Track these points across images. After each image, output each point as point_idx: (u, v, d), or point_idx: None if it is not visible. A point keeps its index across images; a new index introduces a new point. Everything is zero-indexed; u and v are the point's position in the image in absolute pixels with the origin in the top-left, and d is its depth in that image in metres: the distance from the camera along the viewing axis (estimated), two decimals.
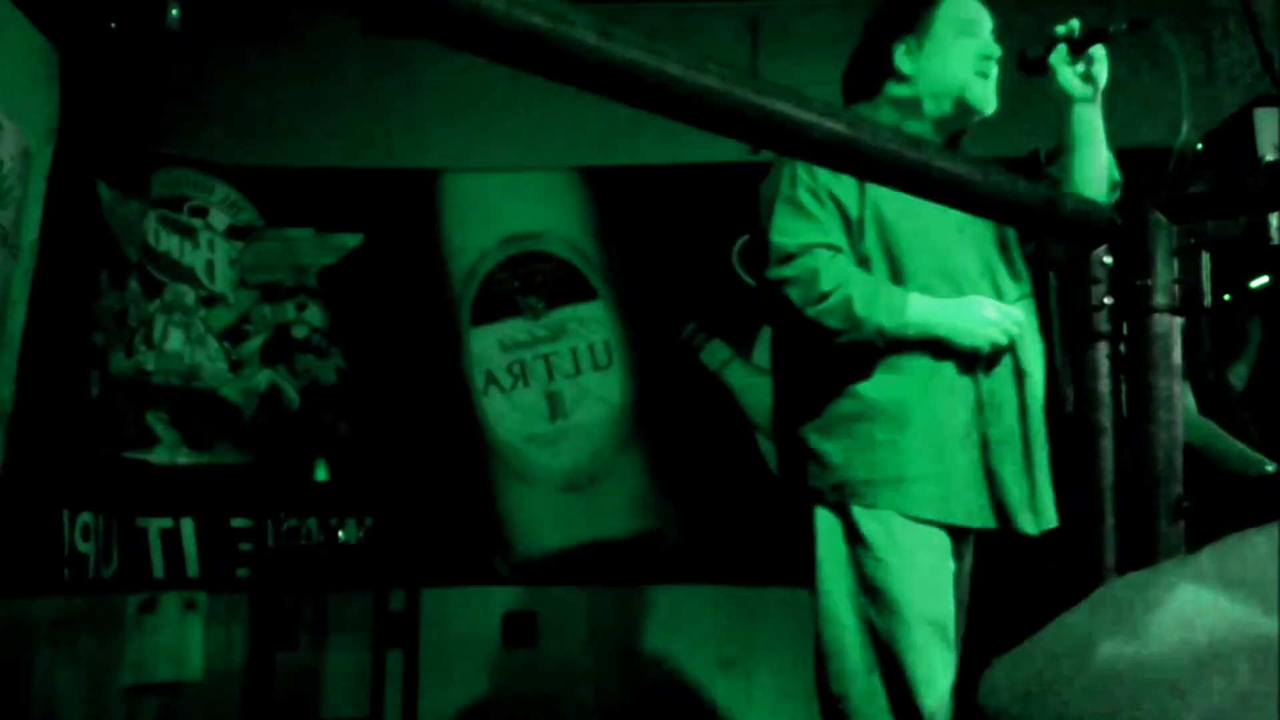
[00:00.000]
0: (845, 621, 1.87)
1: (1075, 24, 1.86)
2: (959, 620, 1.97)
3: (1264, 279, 2.33)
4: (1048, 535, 1.96)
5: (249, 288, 3.92)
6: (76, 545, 3.43)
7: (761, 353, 3.78)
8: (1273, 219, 1.51)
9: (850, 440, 1.87)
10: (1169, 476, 1.45)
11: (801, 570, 1.94)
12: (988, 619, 2.06)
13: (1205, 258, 1.44)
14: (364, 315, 3.92)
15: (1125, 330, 1.49)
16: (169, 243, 3.84)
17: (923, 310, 1.86)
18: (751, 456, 3.78)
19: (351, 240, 3.96)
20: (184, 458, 3.77)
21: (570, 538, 3.83)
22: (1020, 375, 1.95)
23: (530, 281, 3.98)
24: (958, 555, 1.95)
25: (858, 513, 1.86)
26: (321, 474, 3.72)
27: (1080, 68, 1.87)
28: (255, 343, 3.89)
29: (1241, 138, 2.21)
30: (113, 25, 3.40)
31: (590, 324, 3.96)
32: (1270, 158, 2.16)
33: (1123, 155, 1.96)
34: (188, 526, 3.73)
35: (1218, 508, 1.50)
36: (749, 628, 3.76)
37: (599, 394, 3.93)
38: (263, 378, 3.87)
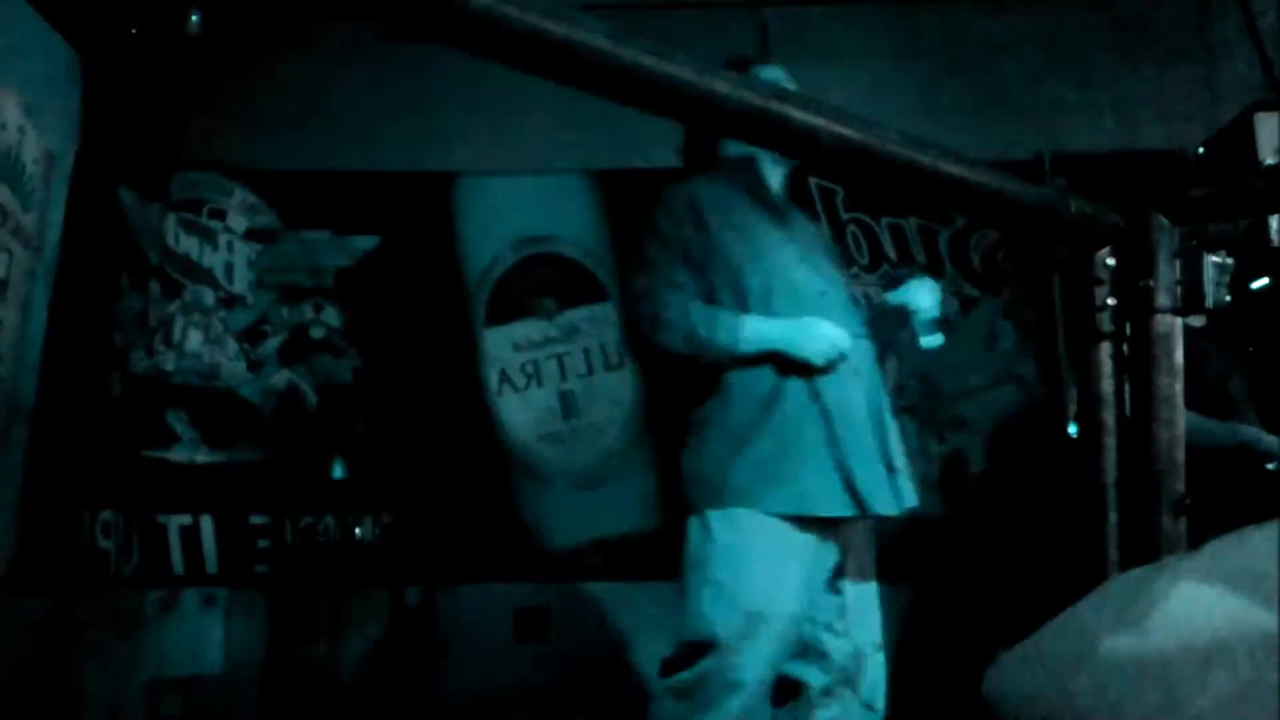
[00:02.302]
0: (702, 612, 2.05)
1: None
2: (874, 607, 2.20)
3: (1264, 281, 2.35)
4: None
5: (267, 289, 3.95)
6: (97, 542, 3.47)
7: None
8: (1273, 221, 1.53)
9: (708, 454, 2.13)
10: (1171, 474, 1.47)
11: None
12: (991, 614, 2.10)
13: (1207, 260, 1.46)
14: (380, 316, 3.94)
15: (1128, 330, 1.51)
16: (188, 245, 3.89)
17: (758, 328, 2.11)
18: None
19: (368, 242, 3.99)
20: (203, 456, 3.81)
21: (582, 535, 3.85)
22: (859, 378, 2.17)
23: (543, 283, 4.01)
24: (837, 543, 2.15)
25: (710, 515, 2.09)
26: (338, 472, 3.76)
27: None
28: (273, 343, 3.93)
29: (1242, 141, 2.23)
30: (133, 30, 3.44)
31: (602, 325, 3.98)
32: (1270, 161, 2.18)
33: (1124, 157, 2.00)
34: (207, 524, 3.76)
35: (1219, 505, 1.51)
36: None
37: (611, 394, 3.95)
38: (281, 377, 3.91)
